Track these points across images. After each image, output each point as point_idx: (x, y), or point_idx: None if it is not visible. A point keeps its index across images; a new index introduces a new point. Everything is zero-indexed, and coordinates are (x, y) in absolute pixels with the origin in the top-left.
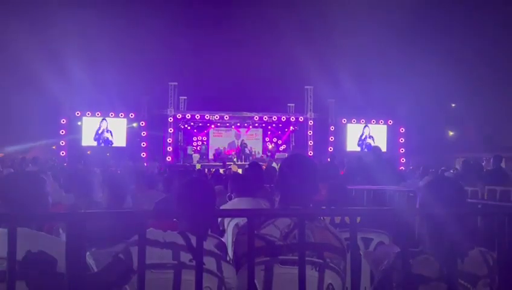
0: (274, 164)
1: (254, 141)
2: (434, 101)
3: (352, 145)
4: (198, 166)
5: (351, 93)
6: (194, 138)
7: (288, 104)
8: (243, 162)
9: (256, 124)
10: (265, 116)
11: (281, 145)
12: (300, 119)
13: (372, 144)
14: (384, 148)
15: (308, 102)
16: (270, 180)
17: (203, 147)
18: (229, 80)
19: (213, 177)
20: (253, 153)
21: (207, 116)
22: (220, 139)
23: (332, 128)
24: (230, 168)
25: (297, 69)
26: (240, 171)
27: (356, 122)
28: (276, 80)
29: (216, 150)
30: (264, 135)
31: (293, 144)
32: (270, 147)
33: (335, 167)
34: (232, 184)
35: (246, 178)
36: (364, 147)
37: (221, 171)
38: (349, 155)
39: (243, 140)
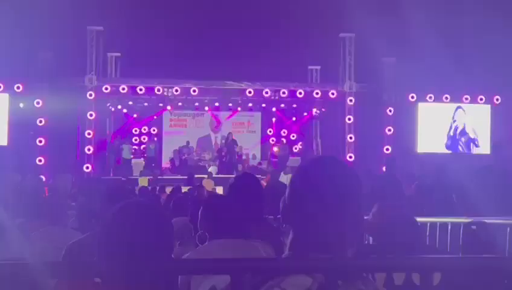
0: (282, 177)
1: (246, 136)
2: None
3: (428, 142)
4: (142, 181)
5: (425, 48)
6: (135, 131)
7: (310, 67)
8: (226, 175)
9: (250, 104)
10: (266, 90)
11: (295, 142)
12: (331, 95)
13: (476, 140)
14: (486, 144)
15: (346, 63)
16: (274, 206)
17: (152, 146)
18: (200, 21)
19: (170, 201)
20: (243, 156)
21: (158, 89)
22: (181, 134)
23: (390, 110)
24: (202, 186)
25: (326, 3)
26: (218, 190)
27: (436, 100)
28: (287, 20)
29: (176, 152)
30: (265, 124)
31: (319, 139)
32: (275, 149)
33: (395, 183)
34: (206, 215)
35: (229, 204)
36: (461, 146)
37: (184, 190)
38: (423, 160)
39: (230, 134)
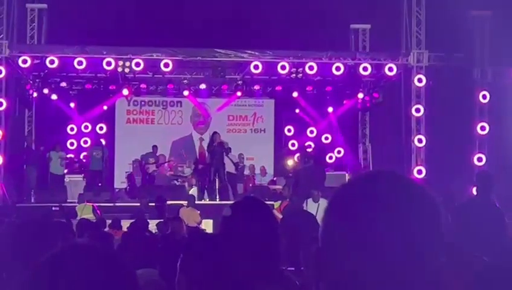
0: (310, 206)
1: (251, 138)
2: None
3: None
4: (83, 210)
5: None
6: (71, 129)
7: (353, 26)
8: (217, 201)
9: (257, 87)
10: (282, 63)
11: (329, 147)
12: (388, 71)
13: None
14: None
15: (412, 20)
16: (295, 252)
17: (97, 154)
18: None
19: (127, 243)
20: (245, 171)
21: (109, 62)
22: (145, 134)
23: (484, 97)
24: (180, 220)
25: None
26: (206, 225)
27: None
28: None
29: (136, 163)
30: (281, 118)
31: (368, 143)
32: (290, 162)
33: (493, 214)
34: (188, 267)
35: (224, 249)
36: None
37: (151, 225)
38: None
39: (215, 134)
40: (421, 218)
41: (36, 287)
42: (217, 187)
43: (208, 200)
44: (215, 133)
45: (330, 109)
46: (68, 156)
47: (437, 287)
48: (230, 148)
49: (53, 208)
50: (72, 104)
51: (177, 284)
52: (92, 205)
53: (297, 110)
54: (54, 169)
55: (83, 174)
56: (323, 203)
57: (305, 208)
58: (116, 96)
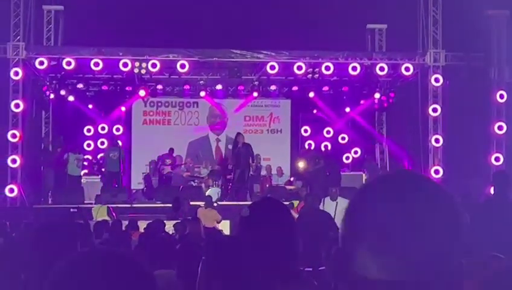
0: (328, 205)
1: (267, 138)
2: None
3: None
4: (99, 212)
5: None
6: (88, 131)
7: (370, 26)
8: (235, 202)
9: (274, 88)
10: (299, 63)
11: (346, 147)
12: (404, 71)
13: None
14: None
15: (429, 20)
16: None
17: (114, 155)
18: None
19: (144, 245)
20: (262, 171)
21: (125, 63)
22: (162, 135)
23: (501, 96)
24: (198, 220)
25: None
26: (223, 226)
27: None
28: None
29: (153, 164)
30: (297, 118)
31: (384, 143)
32: (300, 165)
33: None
34: (208, 269)
35: (241, 250)
36: None
37: (169, 226)
38: None
39: (239, 135)
40: (441, 219)
41: None
42: (238, 188)
43: (225, 201)
44: (238, 134)
45: (347, 109)
46: (85, 157)
47: (458, 288)
48: (251, 149)
49: (71, 210)
50: (90, 106)
51: (198, 285)
52: (107, 207)
53: (314, 111)
54: (71, 170)
55: (99, 176)
56: (341, 201)
57: (321, 208)
58: (133, 98)
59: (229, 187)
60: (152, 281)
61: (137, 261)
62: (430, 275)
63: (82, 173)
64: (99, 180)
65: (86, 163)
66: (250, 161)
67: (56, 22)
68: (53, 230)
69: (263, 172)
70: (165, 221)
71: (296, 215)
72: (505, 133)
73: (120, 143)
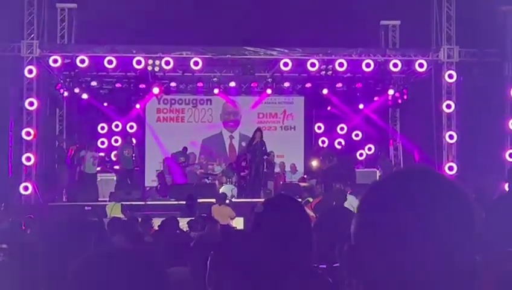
0: (349, 199)
1: (281, 135)
2: None
3: None
4: (113, 209)
5: None
6: (102, 128)
7: (383, 23)
8: (248, 199)
9: (287, 84)
10: (312, 60)
11: (360, 143)
12: (418, 67)
13: None
14: None
15: (443, 15)
16: (327, 248)
17: (127, 153)
18: None
19: (159, 242)
20: (276, 168)
21: (139, 61)
22: (176, 132)
23: None
24: (213, 218)
25: None
26: (237, 223)
27: None
28: None
29: (168, 160)
30: (311, 114)
31: (398, 140)
32: (314, 164)
33: None
34: (218, 266)
35: (255, 247)
36: None
37: (182, 223)
38: None
39: (258, 131)
40: (455, 215)
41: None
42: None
43: (239, 198)
44: (258, 130)
45: (361, 106)
46: (99, 154)
47: (472, 285)
48: (265, 147)
49: (85, 208)
50: (105, 104)
51: (207, 281)
52: (121, 204)
53: (328, 108)
54: (86, 168)
55: (114, 173)
56: (350, 199)
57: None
58: (148, 96)
59: (244, 184)
60: (165, 279)
61: (150, 260)
62: (445, 271)
63: (97, 170)
64: (112, 177)
65: (99, 160)
66: (265, 157)
67: (69, 20)
68: (69, 228)
69: (277, 169)
70: (178, 218)
71: (311, 213)
72: None
73: (134, 141)
